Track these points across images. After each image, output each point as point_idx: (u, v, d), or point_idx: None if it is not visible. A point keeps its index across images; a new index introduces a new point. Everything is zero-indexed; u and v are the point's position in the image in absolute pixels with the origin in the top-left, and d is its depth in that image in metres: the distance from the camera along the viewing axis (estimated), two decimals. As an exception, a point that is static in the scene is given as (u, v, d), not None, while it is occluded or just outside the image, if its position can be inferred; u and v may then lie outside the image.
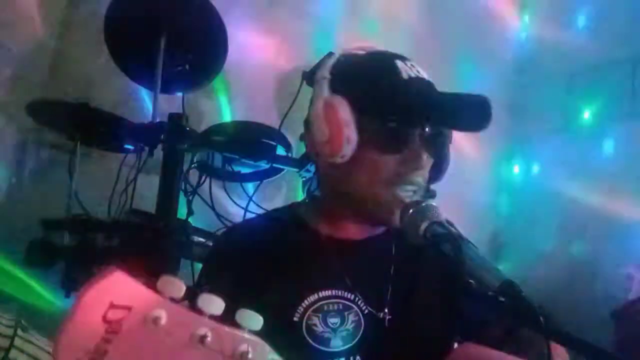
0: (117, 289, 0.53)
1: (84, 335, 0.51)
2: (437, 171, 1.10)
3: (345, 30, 3.06)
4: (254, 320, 0.59)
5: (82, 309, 0.51)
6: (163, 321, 0.54)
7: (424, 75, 1.08)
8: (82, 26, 2.59)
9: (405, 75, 1.04)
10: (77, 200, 2.07)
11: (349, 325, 1.06)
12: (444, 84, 1.08)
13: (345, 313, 1.06)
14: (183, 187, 2.12)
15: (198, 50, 2.18)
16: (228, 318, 0.59)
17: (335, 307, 1.06)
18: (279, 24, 3.00)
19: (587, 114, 3.12)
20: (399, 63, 1.06)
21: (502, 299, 0.81)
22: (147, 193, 2.09)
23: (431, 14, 3.29)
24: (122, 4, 2.11)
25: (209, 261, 1.22)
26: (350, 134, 1.00)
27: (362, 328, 1.06)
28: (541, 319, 0.77)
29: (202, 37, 2.16)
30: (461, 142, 2.91)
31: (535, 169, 3.43)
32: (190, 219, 2.11)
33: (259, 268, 1.06)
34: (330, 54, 1.17)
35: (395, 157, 1.02)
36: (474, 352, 1.01)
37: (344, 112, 1.01)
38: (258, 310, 0.61)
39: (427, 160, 1.04)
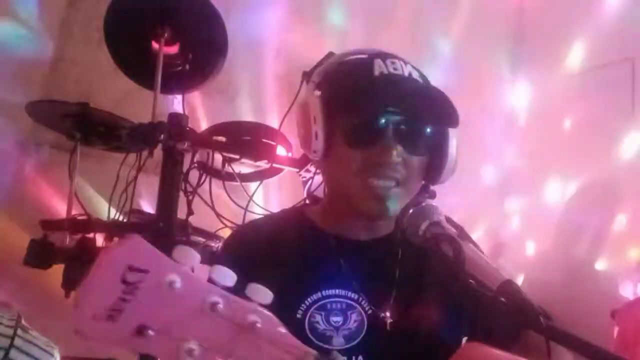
0: (136, 253, 0.55)
1: (103, 293, 0.54)
2: (433, 171, 1.10)
3: (346, 30, 3.06)
4: (263, 294, 0.62)
5: (102, 269, 0.55)
6: (178, 286, 0.56)
7: (406, 71, 1.08)
8: (82, 26, 2.59)
9: (377, 72, 1.06)
10: (77, 200, 2.08)
11: (352, 325, 1.06)
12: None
13: (348, 312, 1.06)
14: (183, 187, 2.12)
15: (198, 50, 2.18)
16: (239, 291, 0.62)
17: (339, 306, 1.06)
18: (279, 24, 3.00)
19: (586, 114, 3.12)
20: (377, 61, 1.07)
21: (502, 299, 0.81)
22: (147, 193, 2.09)
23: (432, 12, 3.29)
24: (122, 4, 2.11)
25: (218, 258, 1.23)
26: (318, 130, 1.04)
27: (365, 328, 1.06)
28: (541, 319, 0.77)
29: (202, 37, 2.16)
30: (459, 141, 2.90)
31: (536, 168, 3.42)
32: (190, 219, 2.11)
33: (265, 265, 1.06)
34: (329, 54, 1.17)
35: (364, 150, 1.04)
36: (479, 352, 1.01)
37: (314, 110, 1.05)
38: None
39: (399, 156, 1.03)
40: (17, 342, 1.28)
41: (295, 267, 1.08)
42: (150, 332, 0.55)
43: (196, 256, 0.59)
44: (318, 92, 1.08)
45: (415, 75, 1.09)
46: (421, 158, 1.07)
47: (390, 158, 1.02)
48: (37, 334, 1.35)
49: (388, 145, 1.02)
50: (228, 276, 0.60)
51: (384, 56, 1.09)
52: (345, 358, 0.77)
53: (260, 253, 1.08)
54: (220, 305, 0.58)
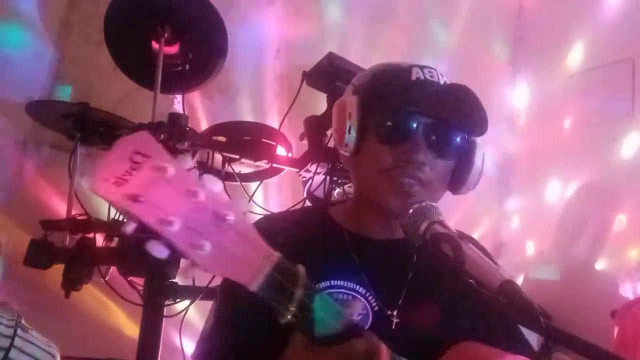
0: (144, 142, 0.72)
1: (114, 165, 0.71)
2: (457, 179, 1.12)
3: (346, 30, 3.06)
4: (241, 203, 0.77)
5: (116, 149, 0.72)
6: (171, 172, 0.71)
7: (442, 81, 1.12)
8: (82, 26, 2.59)
9: (413, 77, 1.10)
10: (77, 200, 2.08)
11: (355, 317, 1.05)
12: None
13: (354, 304, 1.07)
14: (183, 187, 2.11)
15: (198, 50, 2.18)
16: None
17: (344, 297, 1.07)
18: (279, 24, 3.00)
19: (586, 114, 3.12)
20: (415, 69, 1.12)
21: (502, 299, 0.80)
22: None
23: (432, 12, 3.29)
24: (122, 4, 2.11)
25: None
26: (352, 125, 1.09)
27: (369, 324, 1.06)
28: (541, 319, 0.77)
29: (202, 37, 2.16)
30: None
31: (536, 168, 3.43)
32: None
33: (281, 251, 1.07)
34: (330, 55, 1.18)
35: (393, 148, 1.08)
36: (470, 349, 1.01)
37: (351, 106, 1.11)
38: None
39: (427, 157, 1.06)
40: (17, 342, 1.29)
41: (307, 256, 1.08)
42: (142, 199, 0.70)
43: (189, 163, 0.75)
44: (358, 95, 1.13)
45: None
46: (447, 163, 1.10)
47: (417, 156, 1.06)
48: (37, 334, 1.35)
49: (416, 144, 1.06)
50: (215, 183, 0.75)
51: (422, 66, 1.13)
52: (304, 269, 0.82)
53: (277, 241, 1.09)
54: (201, 194, 0.72)
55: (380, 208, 1.10)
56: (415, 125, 1.07)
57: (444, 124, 1.08)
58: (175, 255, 0.73)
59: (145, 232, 0.73)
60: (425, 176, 1.06)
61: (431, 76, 1.11)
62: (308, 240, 1.12)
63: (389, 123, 1.08)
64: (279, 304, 0.78)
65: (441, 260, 0.90)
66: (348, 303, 1.07)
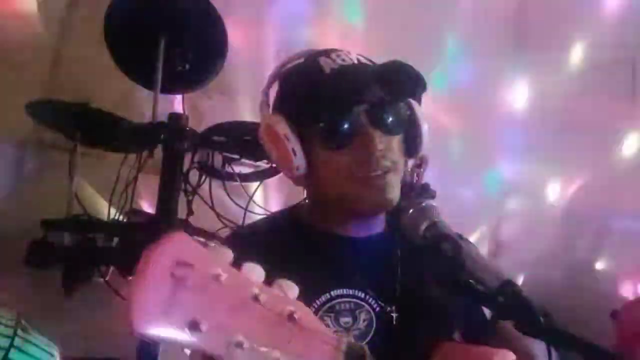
0: (181, 248, 0.55)
1: (155, 290, 0.53)
2: (411, 145, 1.08)
3: (346, 30, 3.06)
4: (292, 288, 0.64)
5: (152, 265, 0.54)
6: (223, 279, 0.56)
7: (354, 59, 1.07)
8: (82, 26, 2.59)
9: (327, 70, 1.05)
10: (77, 200, 2.08)
11: (361, 324, 1.05)
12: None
13: (357, 312, 1.05)
14: (183, 187, 2.12)
15: (198, 50, 2.18)
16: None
17: (347, 306, 1.05)
18: (279, 24, 3.00)
19: (586, 114, 3.12)
20: (321, 60, 1.06)
21: (501, 299, 0.81)
22: (147, 193, 2.08)
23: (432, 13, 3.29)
24: (122, 4, 2.11)
25: None
26: (295, 146, 1.03)
27: (374, 326, 1.05)
28: (541, 319, 0.77)
29: (202, 37, 2.16)
30: (461, 141, 2.91)
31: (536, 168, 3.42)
32: (190, 219, 2.11)
33: (267, 272, 1.05)
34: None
35: (347, 149, 1.03)
36: (454, 349, 1.00)
37: (282, 127, 1.03)
38: None
39: (381, 140, 1.02)
40: (17, 342, 1.28)
41: (299, 270, 1.06)
42: (203, 325, 0.54)
43: (230, 255, 0.60)
44: (278, 110, 1.08)
45: (363, 60, 1.09)
46: (399, 137, 1.06)
47: (374, 147, 1.01)
48: (37, 334, 1.35)
49: (368, 136, 1.01)
50: (258, 272, 0.61)
51: (326, 52, 1.08)
52: (367, 347, 0.76)
53: (259, 260, 1.07)
54: (263, 296, 0.58)
55: (361, 210, 1.07)
56: (356, 117, 1.02)
57: (382, 102, 1.04)
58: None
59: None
60: (390, 161, 1.03)
61: (342, 60, 1.06)
62: (292, 252, 1.06)
63: (331, 128, 1.03)
64: None
65: (441, 260, 0.90)
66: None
